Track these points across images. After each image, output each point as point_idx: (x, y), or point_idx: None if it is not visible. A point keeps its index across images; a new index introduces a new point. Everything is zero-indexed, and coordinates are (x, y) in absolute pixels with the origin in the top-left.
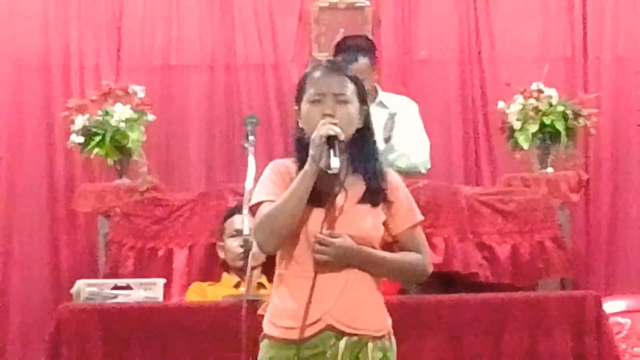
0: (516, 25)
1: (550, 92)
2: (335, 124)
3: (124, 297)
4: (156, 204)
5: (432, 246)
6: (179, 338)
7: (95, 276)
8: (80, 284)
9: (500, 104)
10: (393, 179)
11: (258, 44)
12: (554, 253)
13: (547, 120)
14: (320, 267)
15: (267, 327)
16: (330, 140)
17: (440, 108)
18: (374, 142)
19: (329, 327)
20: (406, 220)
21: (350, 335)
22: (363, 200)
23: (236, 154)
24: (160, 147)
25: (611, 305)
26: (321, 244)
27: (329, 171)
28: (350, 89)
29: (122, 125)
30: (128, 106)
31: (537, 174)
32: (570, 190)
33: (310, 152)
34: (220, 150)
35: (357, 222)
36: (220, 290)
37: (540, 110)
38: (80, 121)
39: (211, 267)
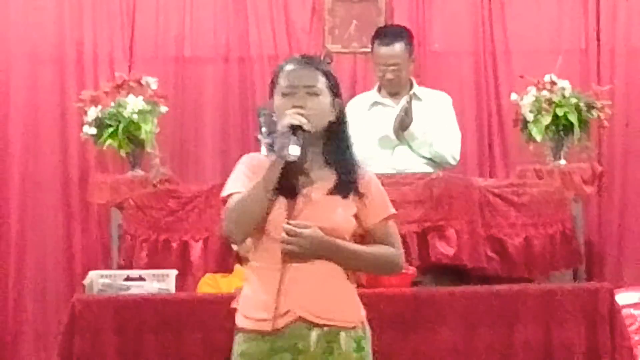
0: (529, 17)
1: (564, 84)
2: (302, 115)
3: (137, 289)
4: (170, 195)
5: (445, 238)
6: (192, 329)
7: (109, 268)
8: (93, 275)
9: (514, 96)
10: (366, 172)
11: (272, 36)
12: (567, 245)
13: (560, 112)
14: (289, 258)
15: (239, 320)
16: (295, 130)
17: (454, 100)
18: (348, 135)
19: (300, 319)
20: (378, 214)
21: (322, 326)
22: (333, 191)
23: (250, 146)
24: (174, 139)
25: (624, 298)
26: (289, 234)
27: (288, 159)
28: (321, 81)
29: (135, 116)
30: (141, 98)
31: (550, 166)
32: (583, 183)
33: (275, 141)
34: (234, 142)
35: (327, 213)
36: (233, 282)
37: (553, 102)
38: (93, 113)
39: (225, 259)
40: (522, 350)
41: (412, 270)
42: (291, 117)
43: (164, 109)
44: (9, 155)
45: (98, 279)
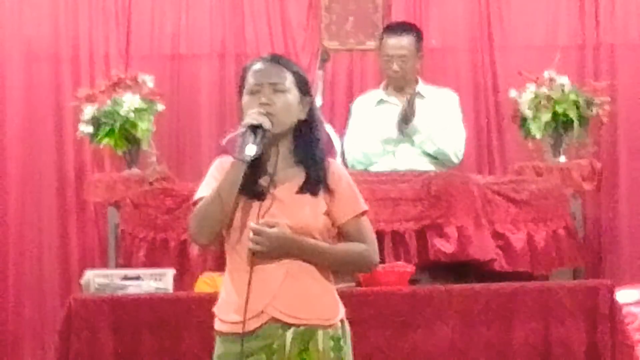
0: (527, 13)
1: (563, 80)
2: (266, 114)
3: (134, 288)
4: (166, 194)
5: (445, 236)
6: (189, 328)
7: (106, 267)
8: (90, 274)
9: (512, 93)
10: (336, 169)
11: (268, 33)
12: (567, 242)
13: (559, 109)
14: (257, 258)
15: (216, 324)
16: (255, 130)
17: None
18: (317, 133)
19: (274, 319)
20: (349, 211)
21: (297, 325)
22: (302, 190)
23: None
24: (170, 137)
25: (624, 295)
26: (255, 233)
27: (244, 159)
28: (288, 79)
29: (132, 115)
30: (137, 96)
31: (549, 162)
32: (583, 179)
33: (237, 141)
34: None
35: (295, 212)
36: None
37: (552, 99)
38: (89, 111)
39: (223, 257)
40: (521, 348)
41: (410, 267)
42: (251, 117)
43: (160, 107)
44: (5, 154)
45: (95, 278)
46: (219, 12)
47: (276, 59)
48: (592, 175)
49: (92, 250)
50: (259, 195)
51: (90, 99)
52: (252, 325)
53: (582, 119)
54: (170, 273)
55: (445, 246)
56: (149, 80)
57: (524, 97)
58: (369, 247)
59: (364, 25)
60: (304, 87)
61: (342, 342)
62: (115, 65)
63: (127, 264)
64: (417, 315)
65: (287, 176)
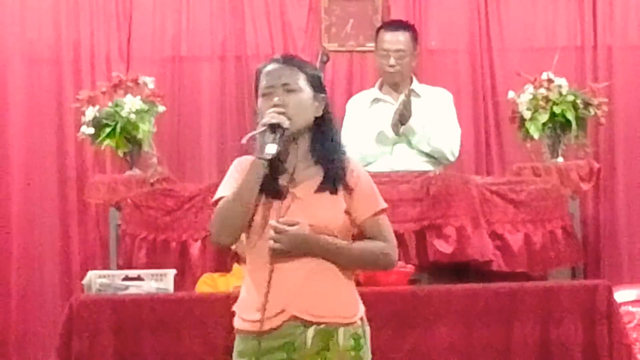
0: (526, 15)
1: (561, 81)
2: (282, 113)
3: (135, 288)
4: (167, 195)
5: (444, 236)
6: (190, 329)
7: (107, 268)
8: (91, 275)
9: (511, 94)
10: (355, 167)
11: (268, 35)
12: (565, 242)
13: (557, 110)
14: (277, 256)
15: (236, 322)
16: (274, 129)
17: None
18: (335, 130)
19: (294, 317)
20: (368, 209)
21: (318, 323)
22: (321, 188)
23: (247, 145)
24: (171, 138)
25: (622, 295)
26: (276, 232)
27: (265, 158)
28: (300, 78)
29: (133, 116)
30: (138, 97)
31: (547, 163)
32: (580, 180)
33: (256, 142)
34: (231, 141)
35: (315, 211)
36: (231, 281)
37: (550, 100)
38: (90, 112)
39: (224, 258)
40: (520, 348)
41: (410, 268)
42: (269, 117)
43: (161, 108)
44: (7, 156)
45: (96, 279)
46: (220, 14)
47: (288, 60)
48: (590, 176)
49: (94, 251)
50: (278, 194)
51: (91, 100)
52: (272, 324)
53: (580, 120)
54: (171, 273)
55: (444, 247)
56: (149, 82)
57: (522, 98)
58: (389, 245)
59: (363, 27)
60: (317, 85)
61: (362, 341)
62: (116, 67)
63: (128, 265)
64: (416, 315)
65: (306, 175)
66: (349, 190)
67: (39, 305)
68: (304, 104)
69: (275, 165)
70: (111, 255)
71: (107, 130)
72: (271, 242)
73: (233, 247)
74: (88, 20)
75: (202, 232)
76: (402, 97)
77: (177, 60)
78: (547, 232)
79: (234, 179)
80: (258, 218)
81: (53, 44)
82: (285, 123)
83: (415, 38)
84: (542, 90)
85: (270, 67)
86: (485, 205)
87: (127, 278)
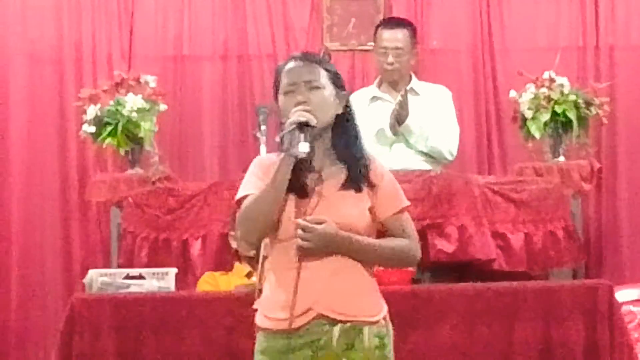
0: (528, 14)
1: (562, 81)
2: (308, 111)
3: (137, 287)
4: (169, 194)
5: (445, 235)
6: (192, 327)
7: (108, 266)
8: (92, 273)
9: (512, 93)
10: (378, 165)
11: (270, 34)
12: (566, 242)
13: (559, 109)
14: (304, 255)
15: (259, 320)
16: (302, 127)
17: (453, 97)
18: (356, 126)
19: (321, 316)
20: (392, 206)
21: (343, 322)
22: (345, 186)
23: (249, 144)
24: (172, 137)
25: (623, 294)
26: (304, 230)
27: (298, 156)
28: (322, 75)
29: (134, 115)
30: (140, 96)
31: (549, 163)
32: (582, 180)
33: (283, 140)
34: (232, 140)
35: (340, 209)
36: (232, 280)
37: (552, 99)
38: (92, 111)
39: (225, 257)
40: (522, 348)
41: (411, 267)
42: (297, 115)
43: (163, 107)
44: (8, 155)
45: (98, 278)
46: (222, 13)
47: (308, 57)
48: (591, 176)
49: (95, 249)
50: (304, 192)
51: (93, 99)
52: (299, 323)
53: (582, 120)
54: (172, 272)
55: (446, 246)
56: (151, 81)
57: (524, 97)
58: (412, 242)
59: (365, 27)
60: (338, 82)
61: (386, 340)
62: (118, 66)
63: (130, 264)
64: (418, 314)
65: (330, 173)
66: (372, 188)
67: (40, 304)
68: (326, 101)
69: (304, 164)
70: (112, 254)
71: (109, 128)
72: (299, 240)
73: (234, 245)
74: (90, 19)
75: (203, 231)
76: (399, 97)
77: (179, 59)
78: (548, 232)
79: (257, 178)
80: (284, 216)
81: (55, 42)
82: (313, 121)
83: (413, 36)
84: (544, 90)
85: (291, 64)
86: (486, 205)
87: (128, 277)
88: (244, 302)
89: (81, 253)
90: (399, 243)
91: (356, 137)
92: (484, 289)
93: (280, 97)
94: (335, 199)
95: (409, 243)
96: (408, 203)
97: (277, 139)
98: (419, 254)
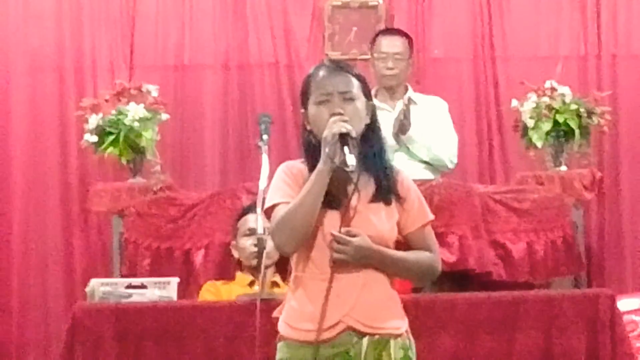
0: (529, 23)
1: (564, 90)
2: (345, 122)
3: (138, 296)
4: (170, 203)
5: (447, 245)
6: (193, 337)
7: (110, 276)
8: (94, 283)
9: (514, 102)
10: (404, 177)
11: (271, 43)
12: (568, 251)
13: (560, 119)
14: (337, 267)
15: (284, 329)
16: (343, 138)
17: (454, 106)
18: (382, 137)
19: (349, 328)
20: (418, 220)
21: (372, 334)
22: (375, 199)
23: (250, 153)
24: (174, 147)
25: (625, 304)
26: (339, 242)
27: (346, 168)
28: (355, 85)
29: (136, 124)
30: (142, 105)
31: (550, 172)
32: (584, 189)
33: (325, 150)
34: (234, 149)
35: (373, 221)
36: (235, 289)
37: (553, 109)
38: (94, 120)
39: (227, 266)
40: (523, 357)
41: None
42: (338, 126)
43: (164, 116)
44: (10, 164)
45: (99, 287)
46: (223, 22)
47: (340, 65)
48: (592, 185)
49: (96, 259)
50: (337, 203)
51: (94, 108)
52: (327, 335)
53: (583, 129)
54: (174, 282)
55: (447, 255)
56: (153, 90)
57: (525, 106)
58: (435, 255)
59: (366, 36)
60: (367, 92)
61: (410, 353)
62: (119, 75)
63: (131, 273)
64: (419, 324)
65: (361, 184)
66: (400, 200)
67: (42, 313)
68: (360, 112)
69: (346, 175)
70: (114, 263)
71: (111, 138)
72: (334, 252)
73: (236, 255)
74: (91, 29)
75: (205, 240)
76: (399, 104)
77: (180, 68)
78: (549, 241)
79: (287, 185)
80: (318, 228)
81: (56, 52)
82: (353, 132)
83: (411, 46)
84: (546, 99)
85: (322, 72)
86: (488, 214)
87: (130, 286)
88: (246, 311)
89: (82, 262)
90: (424, 256)
91: (382, 148)
92: (485, 298)
93: (312, 107)
94: (368, 211)
95: (433, 257)
96: (432, 217)
97: (329, 152)
98: (440, 267)
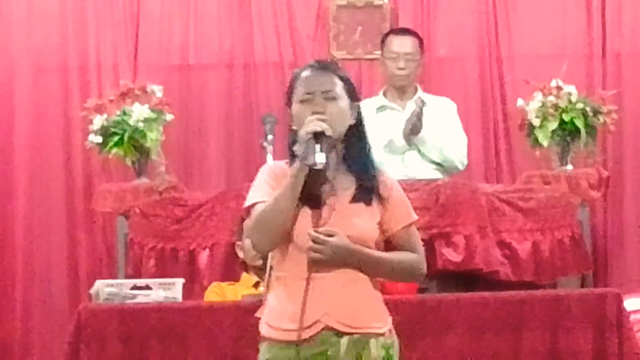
0: (535, 22)
1: (570, 89)
2: (323, 120)
3: (143, 297)
4: (175, 203)
5: (453, 244)
6: (198, 338)
7: (115, 277)
8: (99, 284)
9: (520, 102)
10: (387, 178)
11: (276, 43)
12: (574, 250)
13: (566, 118)
14: (315, 267)
15: (264, 330)
16: (318, 137)
17: (460, 106)
18: (366, 139)
19: (328, 327)
20: (401, 220)
21: (351, 334)
22: (356, 198)
23: (255, 153)
24: (179, 147)
25: (632, 303)
26: (316, 242)
27: (315, 167)
28: (338, 85)
29: (141, 124)
30: (146, 106)
31: (556, 171)
32: (590, 188)
33: (298, 149)
34: (239, 149)
35: (352, 221)
36: (240, 290)
37: (559, 108)
38: (98, 121)
39: (232, 267)
40: (530, 357)
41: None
42: (313, 124)
43: (169, 116)
44: (13, 164)
45: (104, 288)
46: (227, 22)
47: (325, 66)
48: (599, 184)
49: (101, 260)
50: (316, 203)
51: (99, 109)
52: (306, 334)
53: (589, 128)
54: (179, 282)
55: (453, 255)
56: (157, 90)
57: (531, 105)
58: (419, 256)
59: (371, 35)
60: (352, 93)
61: (392, 351)
62: (123, 75)
63: (136, 274)
64: (425, 324)
65: (341, 184)
66: (382, 201)
67: (46, 315)
68: (342, 112)
69: (319, 174)
70: (119, 264)
71: (115, 138)
72: (310, 251)
73: (241, 255)
74: (95, 29)
75: (210, 241)
76: (409, 104)
77: (184, 68)
78: (555, 240)
79: (268, 184)
80: (296, 227)
81: (60, 52)
82: (329, 131)
83: (421, 46)
84: (551, 98)
85: (307, 72)
86: (494, 214)
87: (135, 287)
88: (251, 312)
89: (87, 263)
90: (407, 257)
91: (367, 148)
92: (491, 298)
93: (295, 105)
94: (348, 211)
95: (416, 257)
96: (416, 217)
97: (296, 149)
98: (424, 267)
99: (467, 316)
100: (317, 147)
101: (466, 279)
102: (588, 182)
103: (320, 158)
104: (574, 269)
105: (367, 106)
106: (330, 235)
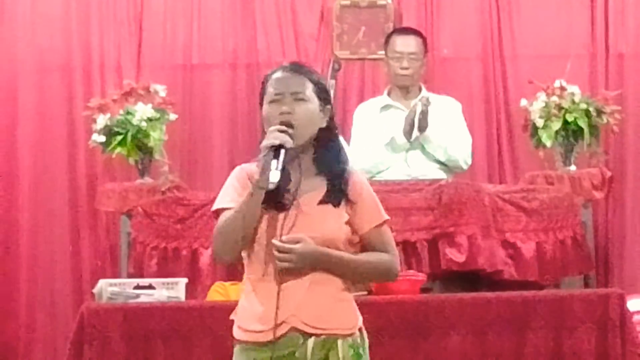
0: (538, 22)
1: (573, 89)
2: (289, 126)
3: (146, 297)
4: (178, 203)
5: (456, 245)
6: (201, 337)
7: (118, 276)
8: (102, 283)
9: (523, 102)
10: (357, 178)
11: (280, 42)
12: (577, 251)
13: (570, 118)
14: (284, 274)
15: (236, 333)
16: (277, 150)
17: (463, 106)
18: (338, 142)
19: (294, 329)
20: (371, 220)
21: (317, 335)
22: (324, 201)
23: (258, 153)
24: (182, 146)
25: (635, 304)
26: (280, 251)
27: (267, 188)
28: (309, 88)
29: (144, 124)
30: (150, 105)
31: (560, 171)
32: (593, 188)
33: (259, 162)
34: (242, 149)
35: (319, 224)
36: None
37: (563, 108)
38: (102, 120)
39: (235, 266)
40: (533, 357)
41: (421, 276)
42: (273, 136)
43: (172, 116)
44: (17, 164)
45: (107, 287)
46: (231, 22)
47: (297, 68)
48: (602, 184)
49: (104, 259)
50: (282, 207)
51: (102, 108)
52: (274, 335)
53: (593, 128)
54: (182, 282)
55: (456, 255)
56: (161, 90)
57: (535, 106)
58: (391, 256)
59: (375, 35)
60: (324, 96)
61: (361, 350)
62: (127, 75)
63: (139, 273)
64: (428, 324)
65: (310, 186)
66: (351, 202)
67: (50, 314)
68: (311, 114)
69: (275, 191)
70: (122, 263)
71: (119, 138)
72: (278, 262)
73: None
74: (98, 28)
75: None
76: (414, 102)
77: (188, 68)
78: (558, 240)
79: (234, 190)
80: (261, 231)
81: (63, 51)
82: (289, 143)
83: (425, 45)
84: (555, 98)
85: (278, 74)
86: (497, 214)
87: (138, 286)
88: None
89: (90, 262)
90: (377, 257)
91: (339, 151)
92: (494, 298)
93: (265, 106)
94: (314, 213)
95: (389, 257)
96: (387, 217)
97: (257, 167)
98: (398, 268)
99: (471, 316)
100: (274, 163)
101: (469, 279)
102: (591, 183)
103: (273, 177)
104: (577, 269)
105: (371, 106)
106: (296, 242)
